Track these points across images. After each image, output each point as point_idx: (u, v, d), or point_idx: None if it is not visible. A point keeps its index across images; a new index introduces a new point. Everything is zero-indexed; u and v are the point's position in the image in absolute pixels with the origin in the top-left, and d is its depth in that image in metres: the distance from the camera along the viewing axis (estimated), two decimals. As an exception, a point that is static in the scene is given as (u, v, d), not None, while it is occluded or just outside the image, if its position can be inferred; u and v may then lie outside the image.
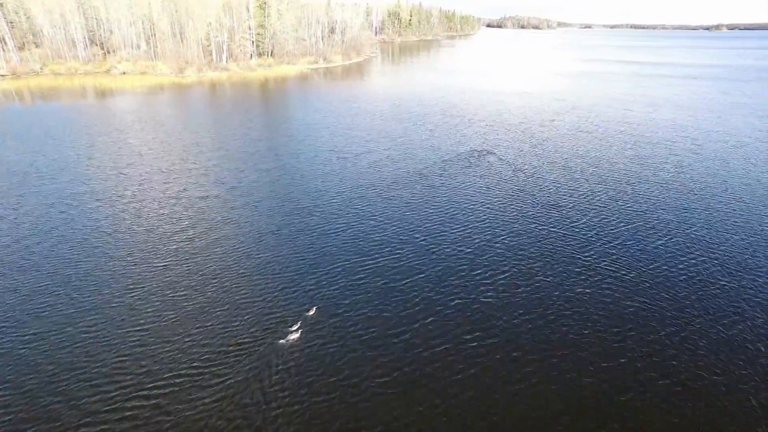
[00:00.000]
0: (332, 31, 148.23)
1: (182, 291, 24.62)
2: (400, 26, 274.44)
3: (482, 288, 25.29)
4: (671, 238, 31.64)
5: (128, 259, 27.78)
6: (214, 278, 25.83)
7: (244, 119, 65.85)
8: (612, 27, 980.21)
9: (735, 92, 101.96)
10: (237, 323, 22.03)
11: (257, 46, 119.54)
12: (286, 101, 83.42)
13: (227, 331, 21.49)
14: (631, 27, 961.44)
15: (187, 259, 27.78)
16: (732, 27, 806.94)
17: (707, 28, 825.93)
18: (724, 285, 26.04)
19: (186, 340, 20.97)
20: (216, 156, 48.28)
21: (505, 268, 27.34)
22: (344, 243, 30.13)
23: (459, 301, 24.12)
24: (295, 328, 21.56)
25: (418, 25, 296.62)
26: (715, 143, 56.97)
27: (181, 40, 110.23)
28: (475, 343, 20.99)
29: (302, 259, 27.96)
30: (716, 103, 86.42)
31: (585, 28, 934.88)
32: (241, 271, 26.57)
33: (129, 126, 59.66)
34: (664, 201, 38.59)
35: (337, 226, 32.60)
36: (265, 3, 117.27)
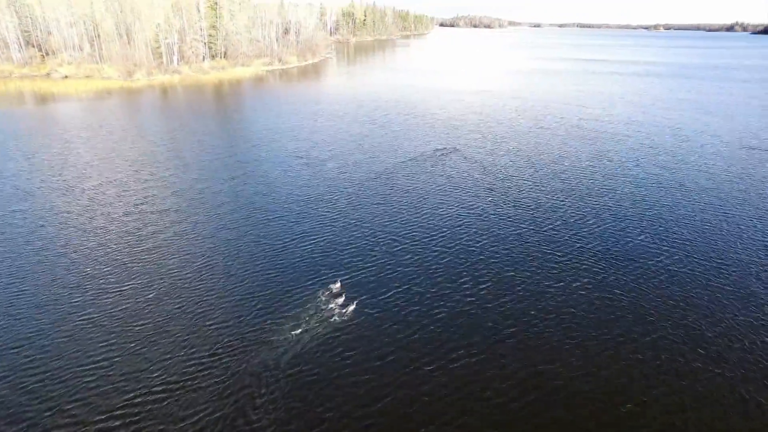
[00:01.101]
0: (287, 31, 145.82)
1: (138, 314, 23.34)
2: (354, 26, 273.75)
3: (450, 284, 25.42)
4: (634, 228, 32.91)
5: (78, 282, 25.98)
6: (175, 299, 24.61)
7: (201, 125, 63.60)
8: (560, 26, 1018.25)
9: (678, 89, 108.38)
10: (200, 346, 21.11)
11: (210, 47, 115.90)
12: (243, 105, 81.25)
13: (188, 355, 20.56)
14: (578, 26, 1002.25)
15: (144, 279, 26.32)
16: (668, 27, 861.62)
17: (646, 28, 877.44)
18: (670, 264, 27.43)
19: (138, 371, 19.90)
20: (173, 165, 46.28)
21: (477, 264, 27.58)
22: (315, 252, 29.52)
23: (437, 301, 24.14)
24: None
25: (373, 25, 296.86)
26: (665, 137, 60.13)
27: (128, 42, 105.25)
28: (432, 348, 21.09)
29: (270, 272, 27.17)
30: (662, 99, 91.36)
31: (535, 27, 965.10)
32: (205, 290, 25.48)
33: (75, 134, 56.26)
34: (622, 192, 40.29)
35: (308, 235, 31.93)
36: (216, 3, 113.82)
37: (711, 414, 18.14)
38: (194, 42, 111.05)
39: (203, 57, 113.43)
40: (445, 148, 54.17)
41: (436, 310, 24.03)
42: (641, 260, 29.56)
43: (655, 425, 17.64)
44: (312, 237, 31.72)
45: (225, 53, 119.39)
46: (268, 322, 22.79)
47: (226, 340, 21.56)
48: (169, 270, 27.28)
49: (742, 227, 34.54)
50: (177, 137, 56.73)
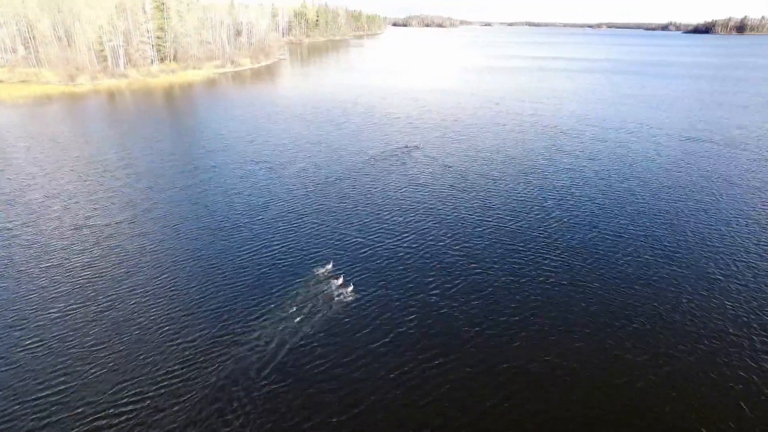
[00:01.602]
0: (238, 33, 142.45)
1: (91, 333, 22.20)
2: (307, 27, 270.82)
3: (421, 282, 25.63)
4: (593, 217, 34.21)
5: (21, 305, 24.43)
6: (130, 317, 23.58)
7: (152, 131, 61.12)
8: (510, 25, 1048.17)
9: (623, 84, 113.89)
10: (165, 363, 20.33)
11: (158, 50, 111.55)
12: (196, 109, 78.68)
13: (154, 378, 19.76)
14: (527, 24, 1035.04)
15: (96, 298, 25.03)
16: (610, 26, 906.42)
17: (591, 26, 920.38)
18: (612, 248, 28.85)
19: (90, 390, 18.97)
20: (124, 174, 44.21)
21: (445, 262, 27.93)
22: (279, 261, 28.98)
23: (406, 305, 24.26)
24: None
25: (326, 26, 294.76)
26: (615, 131, 62.86)
27: (69, 44, 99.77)
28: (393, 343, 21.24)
29: (233, 281, 26.45)
30: (609, 95, 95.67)
31: (485, 25, 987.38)
32: (162, 306, 24.53)
33: (13, 144, 52.78)
34: (579, 183, 41.71)
35: (271, 242, 31.29)
36: (163, 4, 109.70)
37: (680, 392, 19.16)
38: (141, 44, 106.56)
39: (152, 60, 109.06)
40: (406, 147, 54.75)
41: (404, 313, 24.16)
42: (603, 247, 30.79)
43: (626, 409, 18.45)
44: (277, 243, 31.12)
45: (175, 56, 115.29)
46: (222, 339, 22.21)
47: (189, 355, 20.85)
48: (128, 286, 26.05)
49: (691, 211, 36.66)
50: (127, 144, 54.26)
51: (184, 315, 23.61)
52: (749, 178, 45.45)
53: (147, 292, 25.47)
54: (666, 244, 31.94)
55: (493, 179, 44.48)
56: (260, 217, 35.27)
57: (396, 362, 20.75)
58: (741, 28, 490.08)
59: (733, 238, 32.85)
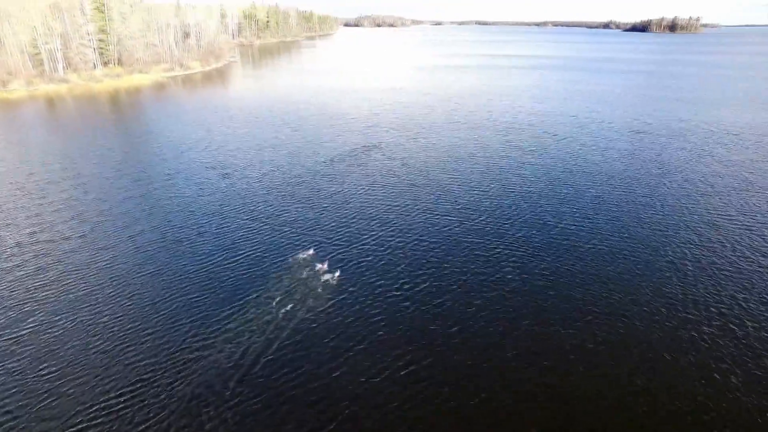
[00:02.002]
0: (187, 35, 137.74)
1: (41, 356, 20.80)
2: (257, 28, 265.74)
3: (385, 282, 25.62)
4: (549, 209, 35.27)
5: (-25, 328, 22.62)
6: (89, 339, 22.25)
7: (99, 139, 58.01)
8: (460, 23, 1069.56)
9: (569, 80, 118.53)
10: (119, 385, 19.32)
11: (101, 53, 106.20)
12: (146, 115, 75.36)
13: (105, 398, 18.72)
14: (476, 23, 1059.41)
15: (47, 321, 23.48)
16: (556, 24, 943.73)
17: (537, 25, 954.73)
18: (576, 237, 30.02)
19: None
20: (70, 186, 41.69)
21: (407, 260, 28.04)
22: (242, 265, 28.11)
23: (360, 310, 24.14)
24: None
25: (277, 27, 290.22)
26: (565, 125, 64.99)
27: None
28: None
29: (193, 292, 25.46)
30: (558, 90, 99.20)
31: (436, 25, 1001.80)
32: (124, 323, 23.28)
33: (-58, 158, 48.82)
34: (534, 177, 42.75)
35: (234, 247, 30.33)
36: (103, 5, 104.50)
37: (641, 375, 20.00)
38: (82, 47, 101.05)
39: (94, 64, 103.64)
40: (365, 146, 54.81)
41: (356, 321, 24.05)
42: (560, 239, 31.77)
43: (593, 397, 19.08)
44: (241, 248, 30.21)
45: (119, 60, 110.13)
46: (193, 348, 21.36)
47: (155, 371, 19.86)
48: (83, 306, 24.53)
49: (641, 198, 38.47)
50: (72, 154, 51.26)
51: (149, 330, 22.46)
52: (693, 166, 48.23)
53: (105, 311, 24.05)
54: (621, 232, 33.36)
55: (450, 175, 45.19)
56: (221, 224, 34.17)
57: (384, 358, 20.58)
58: (673, 27, 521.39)
59: (681, 221, 34.75)
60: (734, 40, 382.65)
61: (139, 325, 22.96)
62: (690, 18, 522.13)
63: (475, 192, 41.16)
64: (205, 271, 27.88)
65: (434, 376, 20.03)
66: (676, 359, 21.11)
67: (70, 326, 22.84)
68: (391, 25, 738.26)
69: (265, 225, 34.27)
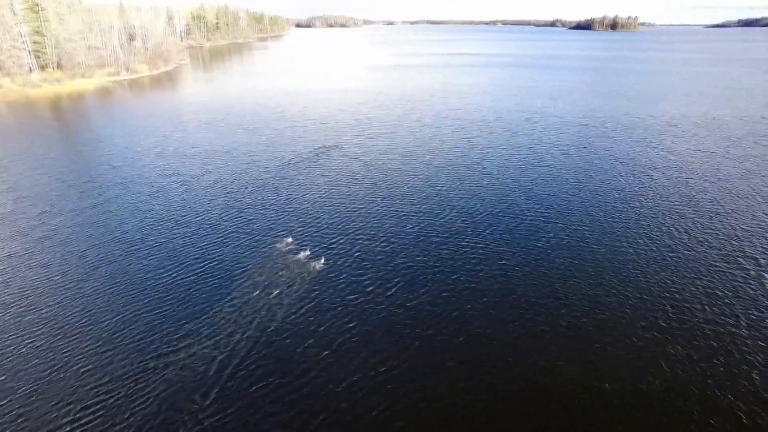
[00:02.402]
0: (132, 38, 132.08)
1: None
2: (207, 30, 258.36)
3: (351, 286, 25.49)
4: (509, 204, 36.13)
5: None
6: (33, 360, 20.93)
7: (41, 148, 54.50)
8: (412, 23, 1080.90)
9: (520, 77, 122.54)
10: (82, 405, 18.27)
11: (37, 56, 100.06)
12: (92, 122, 71.53)
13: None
14: (428, 22, 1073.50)
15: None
16: (505, 22, 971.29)
17: (487, 23, 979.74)
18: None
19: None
20: (10, 200, 38.88)
21: (373, 259, 27.98)
22: (201, 282, 27.19)
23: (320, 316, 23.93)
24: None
25: (227, 28, 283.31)
26: (519, 121, 66.46)
27: None
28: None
29: (147, 306, 24.40)
30: (509, 87, 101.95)
31: (388, 24, 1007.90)
32: (80, 341, 22.02)
33: None
34: (492, 173, 43.66)
35: (192, 256, 29.27)
36: (37, 5, 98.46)
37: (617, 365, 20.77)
38: (14, 50, 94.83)
39: (30, 68, 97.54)
40: (325, 146, 54.64)
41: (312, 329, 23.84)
42: (521, 229, 32.59)
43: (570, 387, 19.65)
44: (200, 256, 29.21)
45: (59, 63, 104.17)
46: (157, 360, 20.47)
47: (118, 385, 18.87)
48: (32, 326, 22.99)
49: (593, 189, 40.06)
50: (9, 164, 47.93)
51: (108, 346, 21.31)
52: (640, 157, 50.69)
53: (55, 330, 22.63)
54: (579, 221, 34.62)
55: (411, 174, 45.52)
56: (181, 232, 32.92)
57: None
58: (614, 25, 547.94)
59: (630, 210, 36.43)
60: (669, 38, 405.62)
61: (97, 338, 21.76)
62: (629, 17, 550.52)
63: (437, 188, 41.69)
64: (165, 281, 26.76)
65: (412, 364, 20.06)
66: (601, 344, 22.08)
67: (27, 349, 21.35)
68: (344, 26, 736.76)
69: (226, 230, 33.30)
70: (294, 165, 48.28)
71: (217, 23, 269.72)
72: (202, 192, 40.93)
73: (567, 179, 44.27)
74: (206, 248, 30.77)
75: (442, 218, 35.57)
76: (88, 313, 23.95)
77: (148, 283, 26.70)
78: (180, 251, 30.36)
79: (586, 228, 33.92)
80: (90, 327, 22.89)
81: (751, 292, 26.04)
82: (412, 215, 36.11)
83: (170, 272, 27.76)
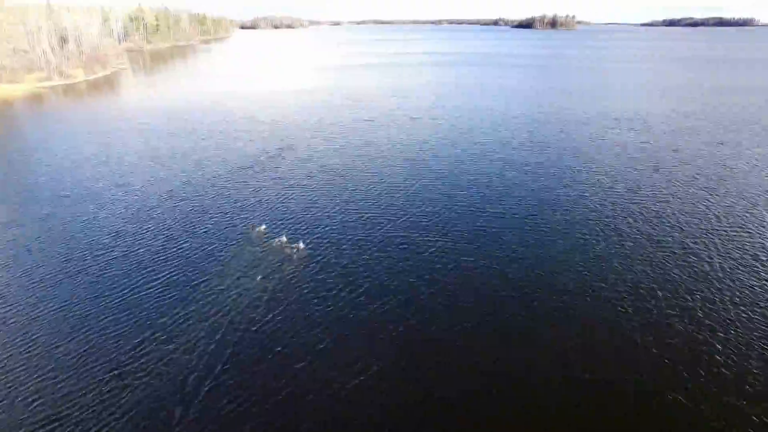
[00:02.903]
0: (64, 40, 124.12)
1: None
2: (147, 32, 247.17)
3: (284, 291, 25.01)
4: (462, 198, 36.64)
5: None
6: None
7: (-34, 161, 50.19)
8: (359, 23, 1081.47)
9: (468, 75, 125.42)
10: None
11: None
12: (24, 131, 66.52)
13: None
14: (374, 22, 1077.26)
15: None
16: (450, 21, 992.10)
17: (433, 23, 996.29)
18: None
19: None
20: (-63, 218, 35.58)
21: (325, 260, 27.56)
22: (150, 296, 25.81)
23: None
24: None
25: (168, 31, 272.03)
26: (469, 119, 67.97)
27: None
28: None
29: (91, 326, 22.90)
30: (458, 85, 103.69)
31: (335, 24, 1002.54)
32: (33, 363, 20.33)
33: None
34: (444, 169, 44.56)
35: (145, 269, 27.71)
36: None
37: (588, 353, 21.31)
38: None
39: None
40: (279, 148, 53.79)
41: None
42: (476, 223, 33.11)
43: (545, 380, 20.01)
44: (147, 276, 27.70)
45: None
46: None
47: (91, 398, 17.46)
48: (-30, 354, 20.95)
49: (545, 182, 41.39)
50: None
51: (73, 361, 19.70)
52: (587, 150, 52.84)
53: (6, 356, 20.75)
54: (533, 214, 35.61)
55: (366, 173, 45.56)
56: (130, 243, 31.09)
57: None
58: (554, 24, 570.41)
59: (586, 199, 37.88)
60: (604, 36, 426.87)
61: (70, 355, 20.10)
62: (567, 16, 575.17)
63: (393, 187, 41.80)
64: (108, 298, 25.16)
65: (391, 351, 19.79)
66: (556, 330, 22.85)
67: (-43, 382, 19.38)
68: (289, 27, 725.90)
69: (179, 239, 31.79)
70: (247, 168, 46.90)
71: (158, 25, 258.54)
72: (155, 200, 38.93)
73: (519, 173, 45.57)
74: (158, 259, 29.21)
75: (397, 215, 35.56)
76: (47, 335, 22.09)
77: (101, 297, 24.98)
78: (134, 262, 28.65)
79: (540, 217, 34.98)
80: (48, 350, 21.11)
81: (699, 270, 27.62)
82: (367, 214, 35.88)
83: (128, 285, 26.13)
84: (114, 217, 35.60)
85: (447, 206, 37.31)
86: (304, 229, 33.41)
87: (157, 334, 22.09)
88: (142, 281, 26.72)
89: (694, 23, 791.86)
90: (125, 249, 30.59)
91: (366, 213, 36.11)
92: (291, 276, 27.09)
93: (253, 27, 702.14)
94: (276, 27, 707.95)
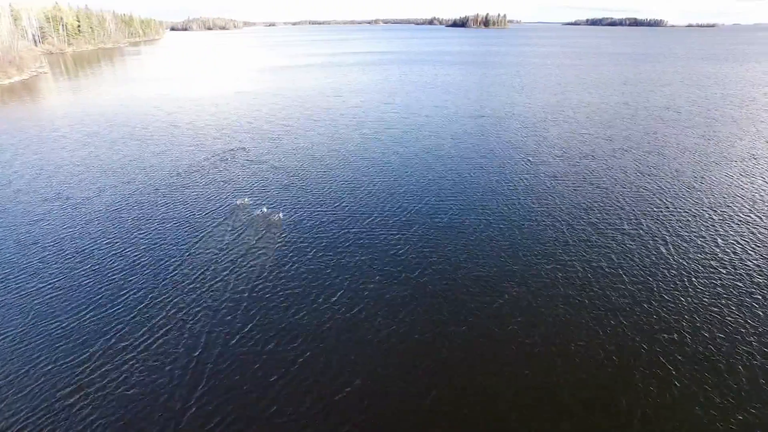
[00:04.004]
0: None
1: None
2: (67, 34, 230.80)
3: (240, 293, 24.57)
4: (411, 193, 37.21)
5: None
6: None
7: None
8: (294, 24, 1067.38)
9: (410, 73, 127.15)
10: None
11: None
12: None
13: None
14: (310, 23, 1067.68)
15: None
16: (385, 21, 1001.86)
17: (368, 22, 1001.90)
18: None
19: None
20: None
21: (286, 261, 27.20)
22: (103, 310, 24.31)
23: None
24: None
25: (92, 32, 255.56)
26: (414, 115, 68.81)
27: None
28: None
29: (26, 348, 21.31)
30: (401, 83, 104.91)
31: (270, 26, 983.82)
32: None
33: None
34: (393, 165, 44.70)
35: (88, 287, 25.99)
36: None
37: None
38: None
39: None
40: (231, 150, 52.15)
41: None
42: (428, 218, 33.78)
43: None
44: (95, 287, 26.02)
45: None
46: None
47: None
48: None
49: (490, 176, 42.77)
50: None
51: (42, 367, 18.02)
52: (527, 142, 55.18)
53: None
54: (483, 207, 36.72)
55: (318, 171, 45.33)
56: (73, 262, 29.00)
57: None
58: (486, 22, 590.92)
59: (530, 190, 39.57)
60: (534, 34, 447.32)
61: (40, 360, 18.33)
62: (499, 15, 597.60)
63: (344, 185, 41.80)
64: (43, 317, 23.40)
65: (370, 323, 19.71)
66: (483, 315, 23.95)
67: None
68: (223, 28, 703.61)
69: (127, 252, 30.06)
70: (195, 172, 45.02)
71: (79, 26, 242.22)
72: (99, 212, 36.47)
73: (464, 166, 46.90)
74: (101, 278, 27.46)
75: (349, 213, 35.51)
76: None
77: (41, 319, 23.11)
78: (77, 279, 26.75)
79: (488, 210, 36.11)
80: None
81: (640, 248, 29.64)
82: (319, 214, 35.58)
83: (59, 310, 24.32)
84: (42, 235, 33.01)
85: (391, 206, 37.61)
86: (257, 232, 32.54)
87: (119, 353, 20.75)
88: (83, 301, 24.98)
89: (613, 23, 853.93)
90: (67, 268, 28.47)
91: (318, 211, 35.73)
92: (243, 289, 26.30)
93: (184, 29, 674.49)
94: (209, 28, 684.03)
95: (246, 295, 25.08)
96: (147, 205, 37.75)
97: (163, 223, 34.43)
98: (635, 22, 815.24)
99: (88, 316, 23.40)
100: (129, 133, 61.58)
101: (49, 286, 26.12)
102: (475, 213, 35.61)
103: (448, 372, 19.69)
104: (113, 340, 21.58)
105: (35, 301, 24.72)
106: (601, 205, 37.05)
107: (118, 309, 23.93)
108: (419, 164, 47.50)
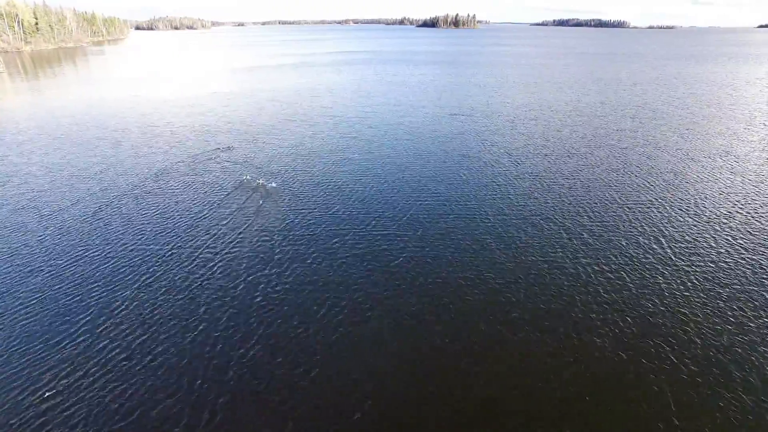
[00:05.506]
0: None
1: None
2: (24, 32, 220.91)
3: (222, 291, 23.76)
4: (393, 190, 36.89)
5: None
6: None
7: None
8: (264, 24, 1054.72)
9: (383, 72, 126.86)
10: None
11: None
12: None
13: None
14: (279, 23, 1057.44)
15: None
16: (356, 21, 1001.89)
17: (339, 22, 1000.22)
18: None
19: None
20: None
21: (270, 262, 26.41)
22: (78, 323, 22.98)
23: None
24: None
25: (51, 31, 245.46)
26: (392, 114, 68.48)
27: None
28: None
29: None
30: (376, 83, 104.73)
31: (238, 26, 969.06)
32: None
33: None
34: (372, 163, 44.34)
35: (67, 294, 24.55)
36: None
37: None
38: None
39: None
40: (218, 149, 51.10)
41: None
42: (410, 215, 33.47)
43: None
44: (65, 300, 24.61)
45: None
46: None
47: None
48: None
49: (471, 169, 42.83)
50: None
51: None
52: (507, 140, 55.60)
53: None
54: (460, 204, 36.65)
55: (302, 171, 44.59)
56: (47, 268, 27.36)
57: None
58: (456, 22, 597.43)
59: (506, 185, 39.76)
60: (504, 34, 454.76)
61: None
62: (468, 15, 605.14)
63: (326, 182, 41.39)
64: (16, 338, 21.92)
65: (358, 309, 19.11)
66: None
67: None
68: (190, 28, 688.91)
69: (105, 261, 28.58)
70: (174, 174, 43.37)
71: (37, 23, 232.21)
72: (70, 225, 34.58)
73: (445, 163, 46.88)
74: (77, 290, 26.00)
75: (331, 213, 34.89)
76: None
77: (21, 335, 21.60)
78: (55, 293, 25.18)
79: (472, 207, 36.07)
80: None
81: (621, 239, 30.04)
82: (306, 214, 34.82)
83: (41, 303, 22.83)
84: (20, 245, 31.11)
85: (373, 204, 37.16)
86: (246, 228, 31.51)
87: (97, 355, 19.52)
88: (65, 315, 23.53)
89: (579, 24, 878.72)
90: (21, 286, 26.81)
91: (307, 211, 34.93)
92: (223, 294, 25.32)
93: (150, 28, 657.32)
94: (176, 28, 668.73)
95: (226, 302, 24.09)
96: (127, 211, 36.01)
97: (144, 231, 32.89)
98: (600, 23, 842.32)
99: (64, 337, 21.98)
100: (102, 136, 59.00)
101: (22, 305, 24.47)
102: (457, 210, 35.37)
103: (461, 379, 19.28)
104: (93, 361, 20.29)
105: (7, 321, 23.10)
106: (589, 202, 37.47)
107: (99, 324, 22.58)
108: (399, 163, 47.14)
